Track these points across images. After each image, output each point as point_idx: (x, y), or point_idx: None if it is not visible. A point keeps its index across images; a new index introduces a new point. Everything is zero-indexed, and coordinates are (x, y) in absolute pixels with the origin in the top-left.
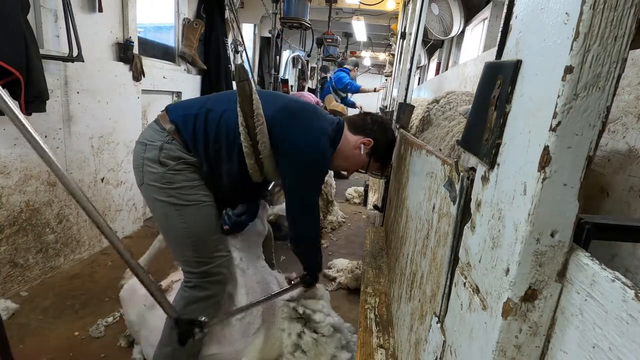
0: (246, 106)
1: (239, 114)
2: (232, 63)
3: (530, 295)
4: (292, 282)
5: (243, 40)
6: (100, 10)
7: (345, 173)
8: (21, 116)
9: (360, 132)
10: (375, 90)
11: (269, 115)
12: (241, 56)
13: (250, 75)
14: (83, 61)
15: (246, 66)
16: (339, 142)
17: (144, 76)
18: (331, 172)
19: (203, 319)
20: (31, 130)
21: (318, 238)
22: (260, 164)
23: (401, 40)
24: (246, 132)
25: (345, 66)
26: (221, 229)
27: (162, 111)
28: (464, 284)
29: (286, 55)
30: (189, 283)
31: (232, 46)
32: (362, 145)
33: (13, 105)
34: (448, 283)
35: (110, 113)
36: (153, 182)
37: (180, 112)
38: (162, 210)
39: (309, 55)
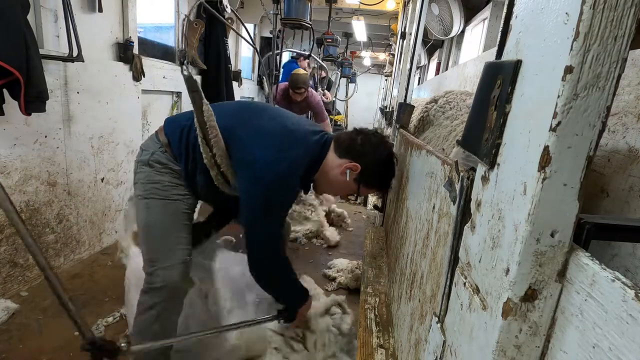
0: (200, 117)
1: (196, 126)
2: (231, 63)
3: (530, 295)
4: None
5: (252, 38)
6: (100, 10)
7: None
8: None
9: (347, 155)
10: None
11: (226, 127)
12: (259, 54)
13: (200, 86)
14: (83, 61)
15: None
16: (320, 163)
17: (144, 76)
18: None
19: (122, 345)
20: None
21: (283, 269)
22: (224, 175)
23: (401, 40)
24: (204, 144)
25: (294, 57)
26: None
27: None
28: (464, 284)
29: (286, 56)
30: (148, 284)
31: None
32: (348, 171)
33: None
34: (448, 283)
35: (110, 113)
36: (139, 181)
37: (172, 126)
38: (138, 205)
39: (308, 57)
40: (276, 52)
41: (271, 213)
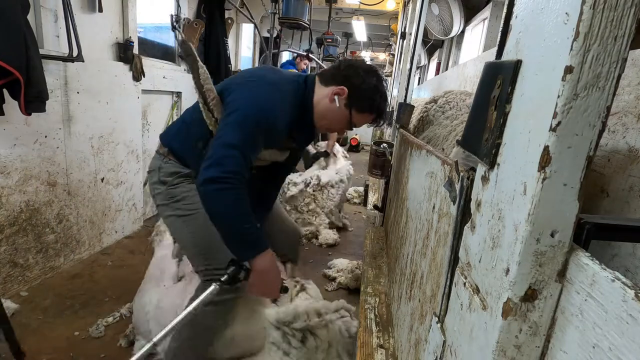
0: (197, 81)
1: (196, 91)
2: (231, 63)
3: (530, 295)
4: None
5: (259, 31)
6: (100, 10)
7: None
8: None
9: (332, 82)
10: None
11: (222, 88)
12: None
13: (195, 51)
14: (83, 61)
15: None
16: (311, 99)
17: (144, 76)
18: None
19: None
20: None
21: (232, 202)
22: None
23: (401, 40)
24: (206, 109)
25: (290, 59)
26: None
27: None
28: (464, 284)
29: (285, 56)
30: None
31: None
32: (336, 97)
33: None
34: (448, 283)
35: (110, 113)
36: (161, 201)
37: (168, 134)
38: (173, 225)
39: (307, 56)
40: (274, 51)
41: (244, 129)
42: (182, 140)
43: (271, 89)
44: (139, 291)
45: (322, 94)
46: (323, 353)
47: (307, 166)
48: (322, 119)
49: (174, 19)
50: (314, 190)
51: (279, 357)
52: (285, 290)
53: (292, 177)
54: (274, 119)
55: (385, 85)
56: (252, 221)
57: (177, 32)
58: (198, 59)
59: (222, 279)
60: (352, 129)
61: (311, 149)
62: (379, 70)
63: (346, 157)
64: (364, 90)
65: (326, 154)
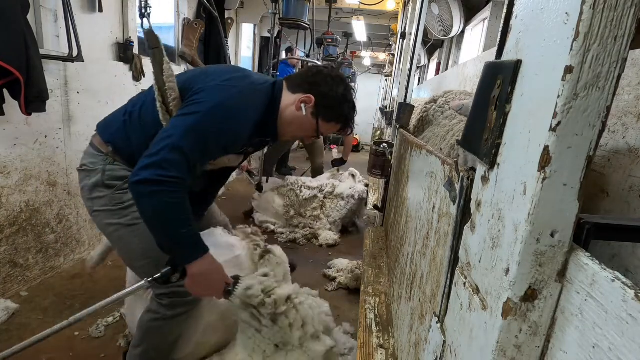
0: (159, 78)
1: (155, 90)
2: (231, 63)
3: (530, 295)
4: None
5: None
6: (100, 10)
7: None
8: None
9: (299, 90)
10: None
11: (183, 82)
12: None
13: (161, 43)
14: (83, 61)
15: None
16: (278, 105)
17: (144, 76)
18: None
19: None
20: None
21: (169, 207)
22: None
23: (401, 40)
24: (164, 110)
25: (285, 59)
26: None
27: (95, 131)
28: (464, 284)
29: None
30: (161, 301)
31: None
32: (303, 105)
33: None
34: (448, 283)
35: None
36: (102, 207)
37: (110, 128)
38: (117, 234)
39: (307, 56)
40: (274, 61)
41: (199, 138)
42: (133, 139)
43: (241, 97)
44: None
45: (289, 100)
46: (299, 331)
47: (316, 174)
48: (288, 126)
49: (142, 4)
50: (324, 197)
51: (252, 333)
52: (229, 294)
53: (306, 181)
54: (236, 130)
55: (353, 93)
56: (190, 225)
57: (144, 20)
58: (165, 53)
59: (155, 276)
60: (319, 137)
61: (335, 153)
62: (347, 78)
63: (365, 184)
64: (332, 99)
65: (342, 162)
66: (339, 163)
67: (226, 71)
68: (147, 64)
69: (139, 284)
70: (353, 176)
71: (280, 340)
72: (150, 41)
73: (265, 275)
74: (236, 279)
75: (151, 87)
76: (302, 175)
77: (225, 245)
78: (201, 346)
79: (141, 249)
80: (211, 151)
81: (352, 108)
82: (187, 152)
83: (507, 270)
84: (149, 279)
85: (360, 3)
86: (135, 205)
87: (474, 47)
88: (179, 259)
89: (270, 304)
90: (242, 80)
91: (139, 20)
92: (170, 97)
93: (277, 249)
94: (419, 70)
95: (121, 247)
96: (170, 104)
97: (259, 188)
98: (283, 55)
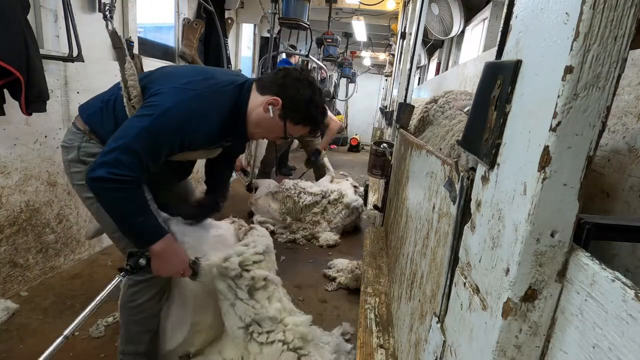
0: (123, 76)
1: (122, 86)
2: (231, 63)
3: (530, 295)
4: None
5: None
6: (100, 10)
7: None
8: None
9: (267, 91)
10: None
11: (146, 82)
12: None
13: (124, 43)
14: (83, 61)
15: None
16: (245, 105)
17: None
18: None
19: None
20: None
21: (123, 198)
22: None
23: (401, 40)
24: (130, 106)
25: (285, 57)
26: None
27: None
28: (464, 284)
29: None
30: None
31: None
32: (270, 107)
33: None
34: (448, 283)
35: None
36: (80, 181)
37: (89, 109)
38: (94, 206)
39: (307, 56)
40: (273, 53)
41: (153, 141)
42: (106, 126)
43: (198, 99)
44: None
45: (257, 102)
46: (278, 303)
47: (319, 176)
48: (255, 127)
49: (105, 7)
50: (328, 202)
51: (226, 308)
52: (194, 274)
53: (306, 186)
54: (193, 131)
55: (322, 96)
56: (146, 212)
57: (108, 22)
58: (127, 53)
59: (126, 267)
60: (287, 139)
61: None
62: (316, 81)
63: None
64: (299, 102)
65: (318, 153)
66: (315, 155)
67: (188, 74)
68: (147, 63)
69: (114, 280)
70: (355, 187)
71: (253, 318)
72: (114, 41)
73: (246, 245)
74: (196, 259)
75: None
76: (301, 177)
77: (210, 226)
78: (198, 326)
79: (112, 221)
80: (164, 151)
81: (320, 111)
82: (140, 153)
83: (507, 270)
84: (121, 272)
85: (360, 3)
86: None
87: (474, 47)
88: (140, 243)
89: (247, 278)
90: (202, 82)
91: (139, 20)
92: (132, 95)
93: (260, 228)
94: (419, 70)
95: (98, 219)
96: (132, 100)
97: (249, 189)
98: (283, 56)
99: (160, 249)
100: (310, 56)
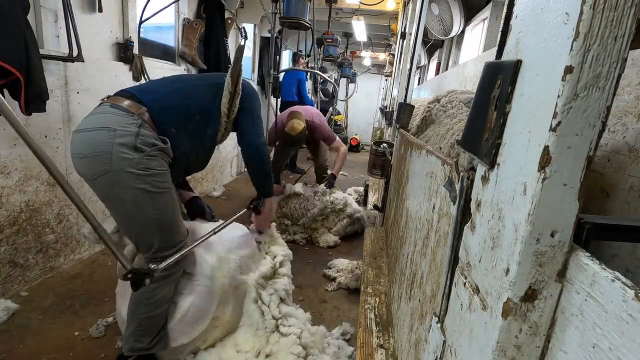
0: (234, 76)
1: (227, 81)
2: (231, 63)
3: (530, 295)
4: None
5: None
6: (100, 10)
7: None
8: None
9: None
10: None
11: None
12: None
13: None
14: (83, 61)
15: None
16: None
17: (144, 76)
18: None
19: (152, 266)
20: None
21: (268, 158)
22: (227, 124)
23: (401, 40)
24: (228, 97)
25: (297, 66)
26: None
27: (110, 96)
28: (464, 284)
29: (286, 55)
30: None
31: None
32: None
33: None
34: (448, 283)
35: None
36: (129, 168)
37: (150, 95)
38: (135, 198)
39: (308, 56)
40: (275, 52)
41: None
42: (172, 106)
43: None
44: (117, 294)
45: None
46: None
47: (320, 180)
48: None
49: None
50: (332, 210)
51: (265, 298)
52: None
53: (315, 199)
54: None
55: None
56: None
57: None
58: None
59: (252, 205)
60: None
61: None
62: None
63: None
64: None
65: (333, 178)
66: (331, 179)
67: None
68: (147, 63)
69: (241, 212)
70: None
71: (284, 312)
72: (239, 54)
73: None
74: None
75: (208, 79)
76: (299, 179)
77: (234, 227)
78: (217, 321)
79: (155, 215)
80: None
81: None
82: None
83: (507, 270)
84: (252, 205)
85: (360, 3)
86: (159, 175)
87: (474, 47)
88: (265, 191)
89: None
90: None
91: (137, 20)
92: (239, 89)
93: (278, 238)
94: (419, 70)
95: (132, 212)
96: (235, 93)
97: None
98: (284, 55)
99: (271, 199)
100: (318, 72)
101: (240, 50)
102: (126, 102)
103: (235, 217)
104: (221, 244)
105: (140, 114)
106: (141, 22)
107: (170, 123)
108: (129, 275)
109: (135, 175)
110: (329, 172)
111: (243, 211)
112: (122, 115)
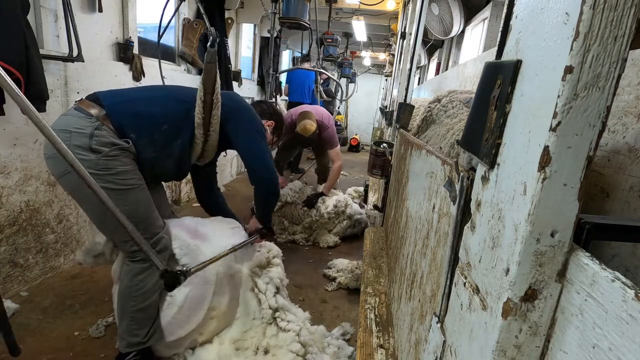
0: (208, 85)
1: (199, 89)
2: (231, 63)
3: (530, 295)
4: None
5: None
6: (100, 10)
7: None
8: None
9: (264, 117)
10: None
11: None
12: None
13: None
14: (83, 61)
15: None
16: None
17: (144, 76)
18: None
19: (185, 268)
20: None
21: (276, 185)
22: (207, 136)
23: (401, 40)
24: (202, 106)
25: (304, 66)
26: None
27: (82, 99)
28: (464, 284)
29: (286, 55)
30: (134, 257)
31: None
32: (269, 127)
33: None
34: (448, 283)
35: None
36: (87, 169)
37: (113, 99)
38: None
39: (307, 55)
40: (275, 52)
41: (259, 129)
42: (141, 114)
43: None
44: (113, 294)
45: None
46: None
47: (323, 172)
48: None
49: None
50: (335, 213)
51: (261, 286)
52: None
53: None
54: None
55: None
56: None
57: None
58: (217, 67)
59: (265, 230)
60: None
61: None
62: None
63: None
64: (281, 123)
65: (319, 196)
66: (314, 199)
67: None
68: (146, 64)
69: (251, 238)
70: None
71: (281, 305)
72: (212, 58)
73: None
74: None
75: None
76: (300, 177)
77: (224, 220)
78: (213, 311)
79: (128, 213)
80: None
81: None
82: (265, 146)
83: (507, 270)
84: (261, 233)
85: (360, 3)
86: (123, 173)
87: (474, 47)
88: (267, 220)
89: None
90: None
91: (139, 20)
92: (215, 100)
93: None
94: (419, 70)
95: (100, 210)
96: (213, 104)
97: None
98: (285, 55)
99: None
100: (321, 69)
101: (212, 55)
102: (88, 105)
103: (248, 240)
104: (215, 235)
105: (99, 116)
106: (161, 35)
107: (131, 128)
108: (164, 276)
109: (95, 175)
110: (319, 189)
111: (254, 237)
112: (81, 117)
